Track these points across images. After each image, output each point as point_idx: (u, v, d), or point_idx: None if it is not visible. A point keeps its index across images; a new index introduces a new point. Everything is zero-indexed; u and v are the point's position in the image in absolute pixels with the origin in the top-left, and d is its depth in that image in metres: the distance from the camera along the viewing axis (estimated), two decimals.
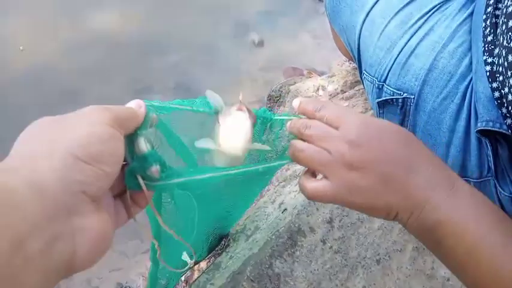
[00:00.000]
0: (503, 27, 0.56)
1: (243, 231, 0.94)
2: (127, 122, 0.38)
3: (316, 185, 0.43)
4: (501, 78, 0.57)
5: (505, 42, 0.55)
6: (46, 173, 0.30)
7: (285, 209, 0.87)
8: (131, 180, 0.40)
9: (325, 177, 0.43)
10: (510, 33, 0.54)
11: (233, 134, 0.45)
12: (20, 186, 0.28)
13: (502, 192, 0.64)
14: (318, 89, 1.08)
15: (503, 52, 0.56)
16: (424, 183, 0.41)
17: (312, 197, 0.44)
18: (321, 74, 1.51)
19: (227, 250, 0.92)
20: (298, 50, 1.61)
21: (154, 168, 0.40)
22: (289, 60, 1.57)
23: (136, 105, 0.41)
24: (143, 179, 0.40)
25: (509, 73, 0.54)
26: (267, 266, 0.75)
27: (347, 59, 1.45)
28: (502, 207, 0.66)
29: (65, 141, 0.32)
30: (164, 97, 1.44)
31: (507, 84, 0.55)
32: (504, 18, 0.57)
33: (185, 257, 0.65)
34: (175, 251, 0.66)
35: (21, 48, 1.47)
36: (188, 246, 0.56)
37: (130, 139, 0.40)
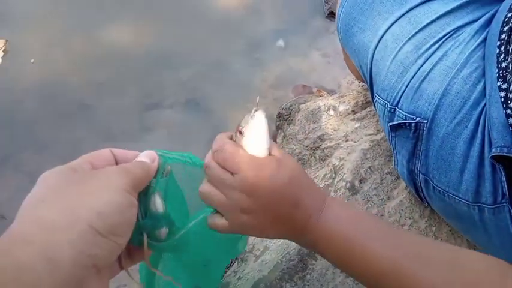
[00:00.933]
0: (502, 54, 0.60)
1: (252, 251, 0.94)
2: (143, 183, 0.39)
3: (215, 221, 0.50)
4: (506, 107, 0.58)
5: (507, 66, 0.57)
6: (63, 248, 0.30)
7: None
8: (136, 236, 0.39)
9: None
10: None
11: (258, 136, 0.49)
12: (36, 262, 0.28)
13: None
14: (328, 109, 1.08)
15: (503, 73, 0.58)
16: (302, 215, 0.49)
17: (212, 228, 0.51)
18: (330, 92, 1.52)
19: (235, 270, 0.91)
20: (308, 68, 1.62)
21: (164, 230, 0.41)
22: (299, 78, 1.58)
23: (150, 159, 0.42)
24: (148, 237, 0.40)
25: None
26: None
27: (355, 79, 1.45)
28: None
29: (85, 212, 0.31)
30: (175, 112, 1.44)
31: None
32: (505, 44, 0.59)
33: None
34: None
35: (32, 61, 1.49)
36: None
37: (144, 195, 0.40)
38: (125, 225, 0.34)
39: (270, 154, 0.50)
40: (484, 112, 0.67)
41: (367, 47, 0.79)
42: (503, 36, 0.64)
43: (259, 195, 0.47)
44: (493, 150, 0.62)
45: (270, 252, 0.86)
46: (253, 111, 0.49)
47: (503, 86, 0.61)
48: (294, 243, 0.82)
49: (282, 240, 0.87)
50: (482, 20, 0.73)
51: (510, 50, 0.61)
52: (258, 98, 0.51)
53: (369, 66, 0.80)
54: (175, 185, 0.47)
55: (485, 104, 0.66)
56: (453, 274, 0.45)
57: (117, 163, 0.42)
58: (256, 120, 0.49)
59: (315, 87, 1.55)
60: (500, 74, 0.62)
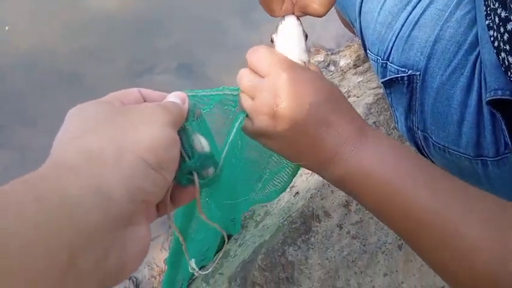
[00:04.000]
0: None
1: (252, 216, 0.89)
2: (179, 123, 0.37)
3: (245, 123, 0.46)
4: (496, 42, 0.54)
5: (491, 5, 0.54)
6: (114, 179, 0.28)
7: (297, 193, 0.81)
8: (183, 177, 0.38)
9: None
10: None
11: (289, 39, 0.44)
12: (87, 194, 0.26)
13: None
14: (328, 65, 1.01)
15: (492, 14, 0.54)
16: (334, 138, 0.42)
17: (243, 131, 0.47)
18: (329, 50, 1.45)
19: (236, 237, 0.87)
20: (306, 28, 1.55)
21: (211, 170, 0.40)
22: None
23: (181, 100, 0.40)
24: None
25: (501, 30, 0.52)
26: (279, 253, 0.69)
27: (356, 35, 1.38)
28: None
29: (133, 143, 0.30)
30: (167, 78, 1.38)
31: (502, 47, 0.52)
32: None
33: (192, 264, 0.63)
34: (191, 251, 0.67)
35: (6, 28, 1.41)
36: (220, 229, 0.53)
37: (185, 135, 0.38)
38: (171, 161, 0.33)
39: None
40: (480, 56, 0.61)
41: (354, 0, 0.73)
42: None
43: (289, 99, 0.41)
44: (488, 94, 0.57)
45: (271, 216, 0.82)
46: (284, 16, 0.45)
47: (491, 25, 0.56)
48: (296, 206, 0.78)
49: (283, 204, 0.82)
50: None
51: None
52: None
53: (358, 20, 0.74)
54: (207, 127, 0.45)
55: None
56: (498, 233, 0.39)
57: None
58: (286, 23, 0.44)
59: (313, 46, 1.48)
60: (488, 12, 0.57)
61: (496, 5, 0.53)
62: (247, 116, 0.45)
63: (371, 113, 0.84)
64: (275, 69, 0.42)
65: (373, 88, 0.89)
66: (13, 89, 1.34)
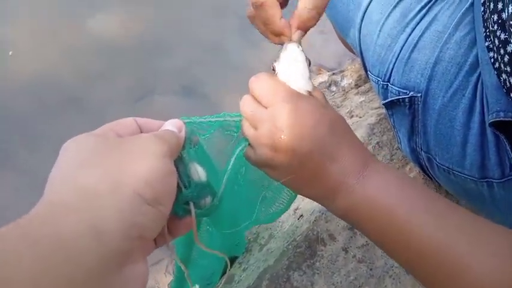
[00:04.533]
0: (487, 12, 0.55)
1: (256, 239, 0.88)
2: (176, 152, 0.37)
3: (246, 151, 0.46)
4: (497, 64, 0.54)
5: (490, 27, 0.54)
6: (110, 216, 0.27)
7: (301, 215, 0.80)
8: (180, 207, 0.37)
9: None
10: (493, 16, 0.53)
11: (292, 68, 0.43)
12: (82, 232, 0.26)
13: None
14: (330, 85, 1.01)
15: (491, 36, 0.54)
16: (338, 171, 0.42)
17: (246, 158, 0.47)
18: (330, 70, 1.45)
19: (240, 261, 0.86)
20: (306, 47, 1.54)
21: (208, 199, 0.39)
22: None
23: (177, 128, 0.39)
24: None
25: (501, 51, 0.52)
26: (284, 279, 0.68)
27: (356, 55, 1.38)
28: None
29: (128, 178, 0.29)
30: (169, 100, 1.39)
31: (503, 68, 0.52)
32: (487, 2, 0.55)
33: None
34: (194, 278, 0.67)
35: (10, 53, 1.43)
36: (222, 255, 0.53)
37: (181, 164, 0.38)
38: (168, 193, 0.32)
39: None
40: (481, 77, 0.60)
41: (353, 22, 0.74)
42: None
43: (291, 132, 0.40)
44: (490, 116, 0.56)
45: (276, 240, 0.80)
46: (285, 44, 0.44)
47: (491, 46, 0.55)
48: (300, 229, 0.77)
49: (287, 227, 0.81)
50: None
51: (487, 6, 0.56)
52: (297, 33, 0.45)
53: (358, 43, 0.74)
54: (205, 154, 0.44)
55: None
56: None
57: (142, 132, 0.39)
58: (288, 52, 0.43)
59: (314, 65, 1.48)
60: (487, 33, 0.57)
61: (495, 27, 0.53)
62: (249, 144, 0.45)
63: (374, 134, 0.84)
64: (277, 100, 0.42)
65: (376, 108, 0.89)
66: (17, 114, 1.34)
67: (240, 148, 0.46)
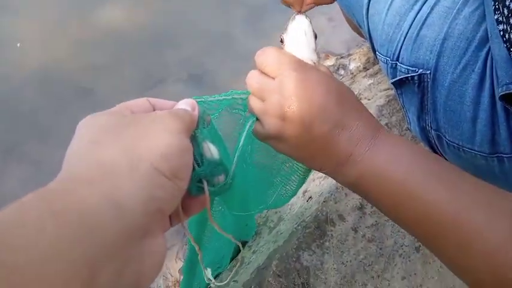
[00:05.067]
0: None
1: (266, 223, 0.88)
2: (190, 130, 0.37)
3: (255, 127, 0.45)
4: (507, 35, 0.53)
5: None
6: (129, 189, 0.27)
7: (310, 197, 0.80)
8: (194, 185, 0.38)
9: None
10: None
11: (300, 39, 0.44)
12: (102, 205, 0.26)
13: None
14: (338, 69, 1.00)
15: (501, 7, 0.53)
16: (347, 139, 0.41)
17: (254, 135, 0.46)
18: (339, 55, 1.44)
19: (249, 244, 0.86)
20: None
21: (222, 177, 0.39)
22: None
23: (191, 107, 0.39)
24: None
25: (511, 21, 0.51)
26: (294, 259, 0.68)
27: (365, 40, 1.37)
28: None
29: (146, 152, 0.29)
30: (178, 89, 1.39)
31: None
32: None
33: (208, 274, 0.62)
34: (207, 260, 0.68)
35: (18, 45, 1.44)
36: (234, 240, 0.53)
37: (194, 143, 0.38)
38: (184, 168, 0.32)
39: None
40: (491, 52, 0.60)
41: (360, 2, 0.73)
42: None
43: (300, 100, 0.40)
44: (499, 89, 0.55)
45: (285, 222, 0.81)
46: (293, 15, 0.45)
47: (501, 19, 0.54)
48: (310, 210, 0.77)
49: (296, 209, 0.81)
50: None
51: None
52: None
53: (365, 23, 0.74)
54: (217, 133, 0.44)
55: None
56: None
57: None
58: (296, 22, 0.44)
59: (322, 52, 1.48)
60: (496, 6, 0.55)
61: None
62: (257, 119, 0.45)
63: (383, 115, 0.83)
64: (285, 69, 0.42)
65: (384, 90, 0.88)
66: (26, 104, 1.36)
67: (248, 125, 0.46)
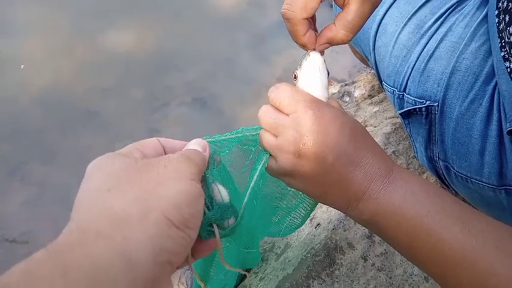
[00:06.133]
0: (502, 23, 0.55)
1: (272, 249, 0.88)
2: (202, 172, 0.36)
3: (269, 163, 0.45)
4: None
5: (506, 38, 0.54)
6: (140, 241, 0.27)
7: (318, 224, 0.80)
8: (204, 229, 0.37)
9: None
10: (509, 28, 0.53)
11: (313, 76, 0.44)
12: (113, 259, 0.25)
13: None
14: (343, 96, 1.02)
15: (507, 47, 0.54)
16: (362, 176, 0.42)
17: (267, 171, 0.46)
18: (340, 81, 1.46)
19: (256, 271, 0.86)
20: None
21: (232, 220, 0.39)
22: None
23: (201, 148, 0.39)
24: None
25: None
26: (304, 287, 0.68)
27: (367, 66, 1.39)
28: None
29: (157, 201, 0.29)
30: (182, 113, 1.40)
31: None
32: (503, 14, 0.55)
33: None
34: None
35: (22, 66, 1.45)
36: (242, 271, 0.53)
37: (204, 185, 0.38)
38: (196, 216, 0.31)
39: None
40: (498, 87, 0.61)
41: (367, 34, 0.76)
42: (499, 4, 0.59)
43: (315, 137, 0.41)
44: (508, 125, 0.57)
45: (292, 249, 0.80)
46: (307, 52, 0.45)
47: (507, 56, 0.56)
48: (319, 238, 0.77)
49: (304, 236, 0.81)
50: None
51: (501, 19, 0.57)
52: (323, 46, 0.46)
53: (372, 54, 0.75)
54: (228, 173, 0.44)
55: None
56: None
57: (165, 153, 0.39)
58: (311, 59, 0.44)
59: None
60: (503, 44, 0.57)
61: None
62: (270, 155, 0.45)
63: (389, 143, 0.84)
64: (300, 107, 0.42)
65: (390, 118, 0.90)
66: (31, 126, 1.36)
67: (261, 163, 0.46)
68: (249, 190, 0.45)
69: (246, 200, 0.44)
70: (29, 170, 1.29)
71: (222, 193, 0.39)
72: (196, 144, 0.39)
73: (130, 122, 1.39)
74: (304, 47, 0.46)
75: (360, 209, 0.43)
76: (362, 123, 0.95)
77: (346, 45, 0.96)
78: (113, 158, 0.32)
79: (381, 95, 0.96)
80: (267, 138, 0.44)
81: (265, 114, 0.45)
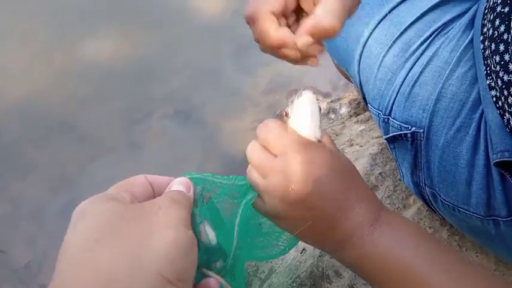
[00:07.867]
0: (488, 51, 0.54)
1: (256, 274, 0.85)
2: (190, 212, 0.34)
3: (256, 202, 0.44)
4: (500, 103, 0.53)
5: (492, 67, 0.53)
6: None
7: (304, 249, 0.78)
8: (197, 273, 0.34)
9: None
10: (495, 57, 0.52)
11: (305, 115, 0.43)
12: None
13: None
14: (328, 112, 1.00)
15: (494, 76, 0.53)
16: (350, 223, 0.41)
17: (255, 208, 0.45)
18: (325, 95, 1.45)
19: None
20: (299, 72, 1.55)
21: (219, 263, 0.38)
22: (291, 82, 1.51)
23: (185, 188, 0.37)
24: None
25: (505, 93, 0.51)
26: None
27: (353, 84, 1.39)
28: None
29: (150, 256, 0.27)
30: (164, 125, 1.37)
31: (506, 109, 0.51)
32: (488, 41, 0.54)
33: None
34: None
35: None
36: None
37: (192, 224, 0.36)
38: (189, 268, 0.30)
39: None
40: (484, 115, 0.60)
41: (351, 57, 0.73)
42: (484, 30, 0.58)
43: (303, 184, 0.39)
44: (494, 156, 0.56)
45: (277, 275, 0.78)
46: (300, 91, 0.44)
47: (493, 84, 0.55)
48: (304, 265, 0.74)
49: (289, 261, 0.78)
50: (471, 12, 0.65)
51: (486, 45, 0.56)
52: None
53: (357, 76, 0.74)
54: (217, 211, 0.43)
55: None
56: None
57: (153, 190, 0.38)
58: (303, 98, 0.43)
59: (309, 88, 1.48)
60: (488, 71, 0.56)
61: (498, 68, 0.52)
62: (258, 195, 0.43)
63: (376, 164, 0.83)
64: (289, 149, 0.41)
65: (377, 137, 0.88)
66: (6, 137, 1.31)
67: (248, 198, 0.44)
68: (235, 231, 0.43)
69: (235, 242, 0.42)
70: (3, 185, 1.24)
71: (209, 234, 0.37)
72: (180, 184, 0.38)
73: (111, 135, 1.35)
74: (279, 49, 0.43)
75: (346, 253, 0.42)
76: (348, 142, 0.93)
77: (331, 58, 0.94)
78: (100, 203, 0.30)
79: (367, 113, 0.94)
80: (254, 177, 0.43)
81: (253, 153, 0.43)
